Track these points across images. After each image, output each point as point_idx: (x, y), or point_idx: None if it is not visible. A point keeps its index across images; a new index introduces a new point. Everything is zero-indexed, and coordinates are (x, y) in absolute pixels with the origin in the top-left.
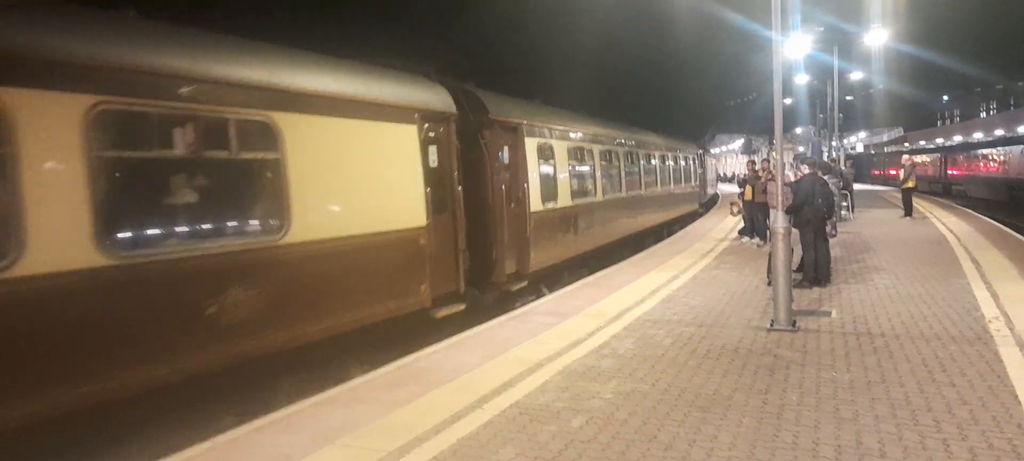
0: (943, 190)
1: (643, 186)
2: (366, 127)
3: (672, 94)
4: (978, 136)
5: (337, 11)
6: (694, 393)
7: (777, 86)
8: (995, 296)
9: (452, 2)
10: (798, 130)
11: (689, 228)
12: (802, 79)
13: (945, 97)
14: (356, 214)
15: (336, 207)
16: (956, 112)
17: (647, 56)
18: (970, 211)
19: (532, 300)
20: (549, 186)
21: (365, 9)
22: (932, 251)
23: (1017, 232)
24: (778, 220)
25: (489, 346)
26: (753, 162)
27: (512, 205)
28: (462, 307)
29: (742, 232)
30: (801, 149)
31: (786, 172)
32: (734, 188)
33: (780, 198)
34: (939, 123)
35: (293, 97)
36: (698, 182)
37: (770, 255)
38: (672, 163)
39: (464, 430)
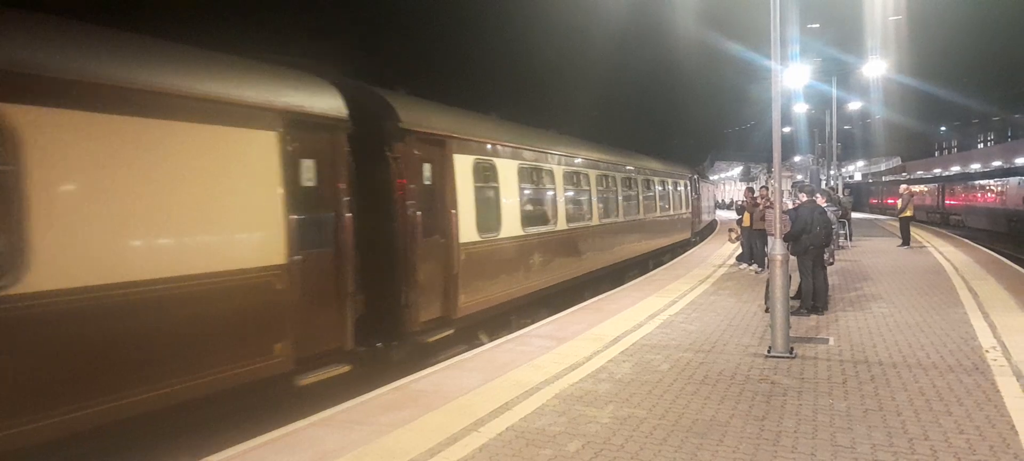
0: (941, 220)
1: (622, 213)
2: (183, 132)
3: (672, 121)
4: (976, 166)
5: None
6: (691, 419)
7: (776, 115)
8: (993, 326)
9: (457, 29)
10: (797, 158)
11: (686, 254)
12: (801, 108)
13: (943, 127)
14: (158, 251)
15: (126, 242)
16: (953, 142)
17: (648, 84)
18: (968, 241)
19: (463, 350)
20: (490, 213)
21: (372, 33)
22: (930, 280)
23: (1015, 263)
24: (776, 247)
25: (487, 369)
26: (751, 189)
27: (434, 236)
28: (345, 369)
29: (740, 258)
30: (800, 177)
31: (784, 200)
32: (733, 215)
33: (778, 225)
34: (937, 153)
35: (43, 84)
36: (691, 209)
37: (768, 282)
38: (659, 188)
39: (460, 453)
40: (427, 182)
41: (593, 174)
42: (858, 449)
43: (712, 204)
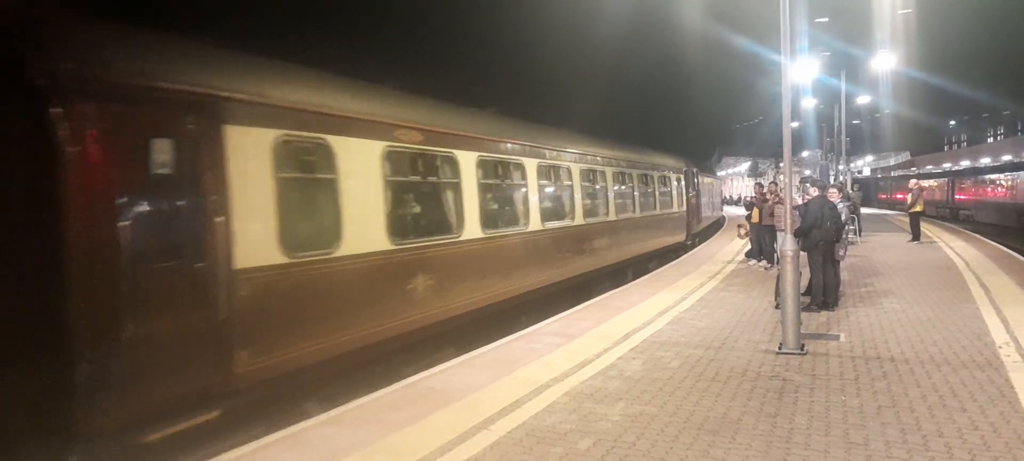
0: (950, 215)
1: (579, 215)
2: None
3: (679, 117)
4: (986, 161)
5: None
6: (702, 416)
7: (786, 110)
8: (1005, 321)
9: (468, 24)
10: (805, 153)
11: (695, 251)
12: (809, 102)
13: (953, 122)
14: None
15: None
16: (963, 137)
17: (654, 79)
18: (978, 236)
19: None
20: (316, 218)
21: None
22: (941, 276)
23: None
24: (787, 242)
25: (497, 366)
26: (760, 185)
27: (168, 262)
28: None
29: (749, 254)
30: (808, 172)
31: (793, 195)
32: (741, 211)
33: (788, 221)
34: (946, 148)
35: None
36: (686, 207)
37: (778, 278)
38: (639, 183)
39: (470, 451)
40: (159, 171)
41: (530, 164)
42: (871, 446)
43: (717, 201)
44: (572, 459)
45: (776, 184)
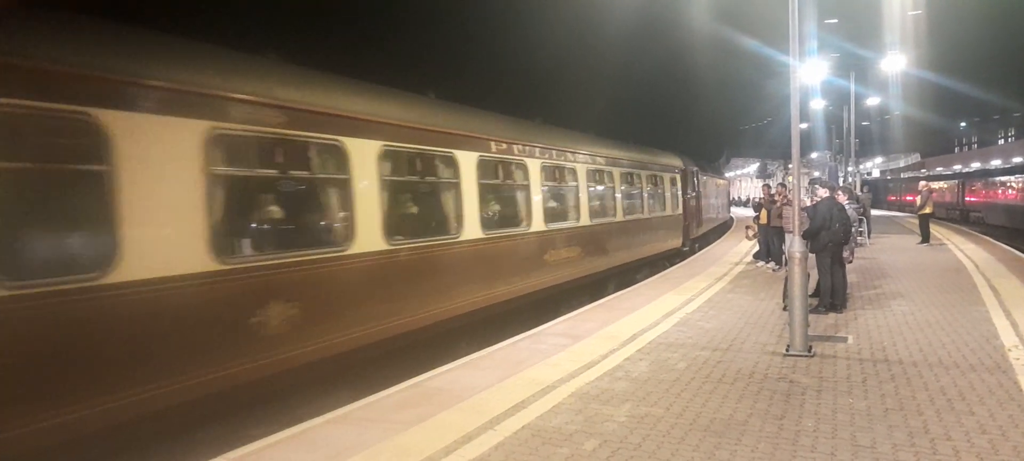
0: (961, 217)
1: (531, 220)
2: None
3: (687, 118)
4: (996, 163)
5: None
6: (709, 418)
7: (794, 112)
8: (1015, 324)
9: (477, 24)
10: (814, 155)
11: (703, 252)
12: (818, 104)
13: (963, 123)
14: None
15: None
16: (974, 138)
17: (664, 80)
18: (988, 238)
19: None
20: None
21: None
22: (950, 278)
23: None
24: (795, 244)
25: (503, 366)
26: (768, 186)
27: None
28: None
29: (757, 256)
30: (817, 173)
31: (802, 196)
32: (749, 212)
33: (797, 222)
34: (956, 149)
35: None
36: (684, 210)
37: (786, 279)
38: (621, 183)
39: (476, 452)
40: None
41: (467, 159)
42: (879, 449)
43: (724, 202)
44: (578, 460)
45: (784, 185)
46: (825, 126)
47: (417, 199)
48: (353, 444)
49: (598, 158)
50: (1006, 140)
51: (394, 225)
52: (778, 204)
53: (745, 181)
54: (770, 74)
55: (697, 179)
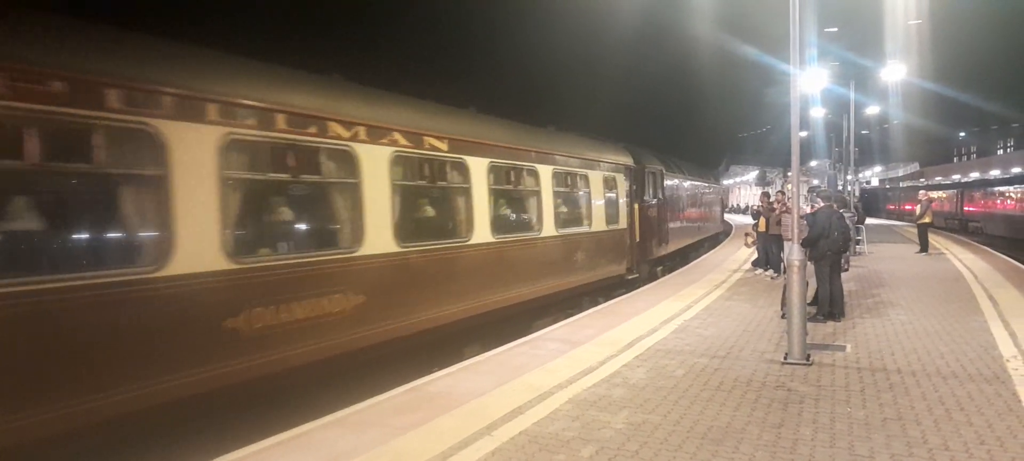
0: (959, 226)
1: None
2: None
3: (687, 125)
4: (995, 173)
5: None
6: (706, 425)
7: (794, 120)
8: (1013, 335)
9: (482, 31)
10: (813, 163)
11: (701, 258)
12: (818, 112)
13: (962, 133)
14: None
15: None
16: (973, 148)
17: (665, 88)
18: (987, 248)
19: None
20: None
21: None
22: (948, 288)
23: None
24: (794, 252)
25: (500, 372)
26: (767, 194)
27: None
28: None
29: (755, 263)
30: (816, 182)
31: (801, 205)
32: (748, 220)
33: (795, 230)
34: (955, 159)
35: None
36: (630, 223)
37: (784, 287)
38: (484, 182)
39: (473, 457)
40: None
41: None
42: (877, 459)
43: (716, 212)
44: None
45: (784, 193)
46: (825, 134)
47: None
48: (350, 448)
49: (425, 136)
50: (1005, 150)
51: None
52: (777, 212)
53: (744, 188)
54: (770, 82)
55: (657, 181)
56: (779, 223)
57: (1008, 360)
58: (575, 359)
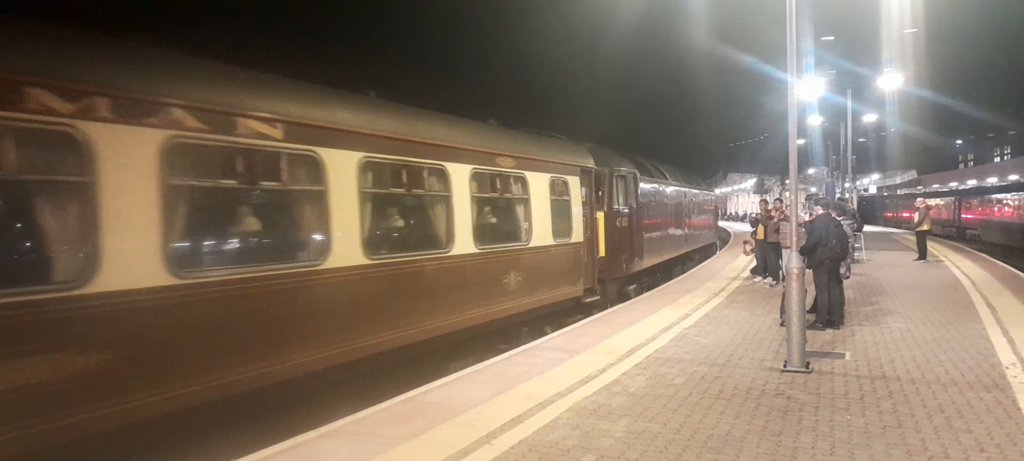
0: (957, 234)
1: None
2: None
3: (684, 133)
4: (992, 180)
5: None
6: (706, 434)
7: (792, 128)
8: (1012, 342)
9: (482, 41)
10: (811, 171)
11: (700, 267)
12: (815, 120)
13: (959, 141)
14: None
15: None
16: (970, 156)
17: (662, 96)
18: (985, 255)
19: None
20: None
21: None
22: (947, 295)
23: None
24: (792, 260)
25: (498, 381)
26: (765, 202)
27: None
28: None
29: (754, 271)
30: (814, 190)
31: (800, 212)
32: (746, 227)
33: (794, 238)
34: (961, 166)
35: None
36: (593, 235)
37: (783, 295)
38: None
39: None
40: None
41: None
42: None
43: (710, 220)
44: None
45: (781, 200)
46: (822, 142)
47: None
48: (347, 458)
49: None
50: (1001, 158)
51: None
52: (775, 220)
53: (742, 196)
54: (767, 90)
55: (629, 186)
56: (777, 231)
57: (1007, 367)
58: (574, 368)
